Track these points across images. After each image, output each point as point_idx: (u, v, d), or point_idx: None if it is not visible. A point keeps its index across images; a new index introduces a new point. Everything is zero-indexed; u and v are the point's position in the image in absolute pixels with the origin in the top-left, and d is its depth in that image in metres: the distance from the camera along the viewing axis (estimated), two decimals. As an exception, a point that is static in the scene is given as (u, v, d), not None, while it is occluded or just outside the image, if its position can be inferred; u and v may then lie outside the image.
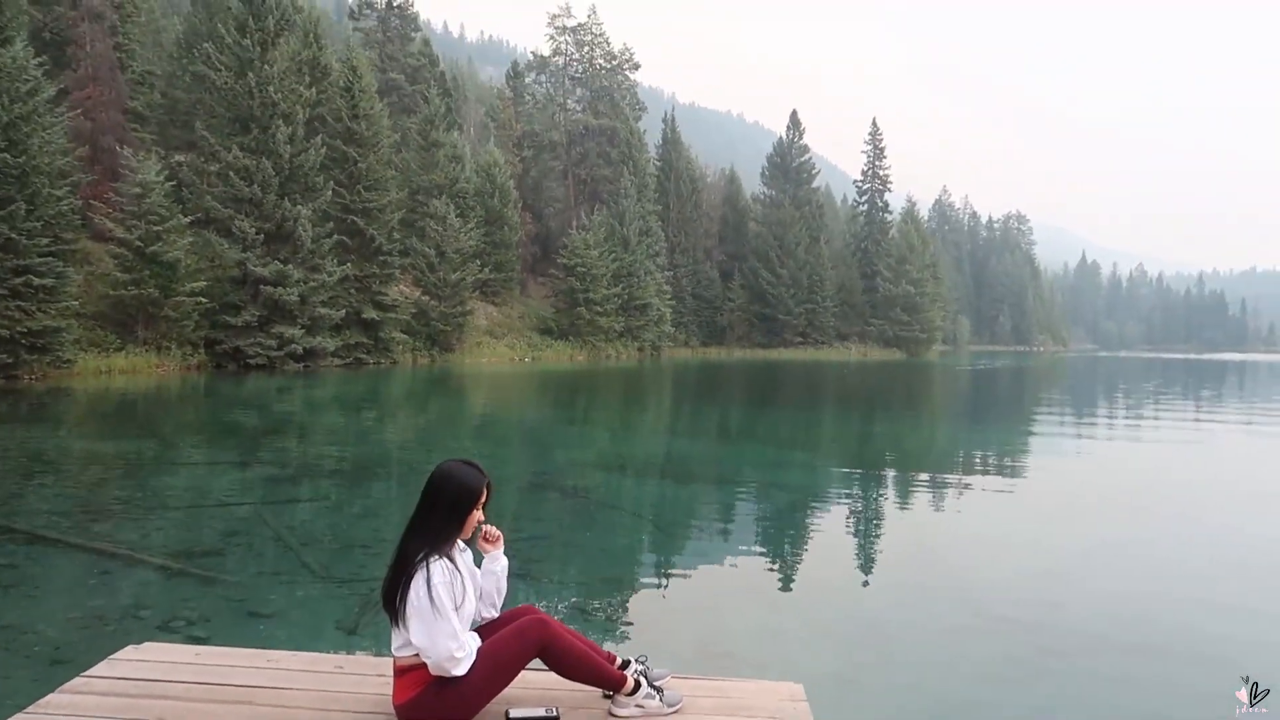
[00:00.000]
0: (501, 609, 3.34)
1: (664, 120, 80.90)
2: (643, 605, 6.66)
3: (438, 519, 3.00)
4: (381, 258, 42.40)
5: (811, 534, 9.44)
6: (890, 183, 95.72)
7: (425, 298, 46.40)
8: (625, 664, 3.23)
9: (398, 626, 2.92)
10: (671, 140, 79.70)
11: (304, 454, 14.50)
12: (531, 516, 9.83)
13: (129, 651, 3.45)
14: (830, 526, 9.87)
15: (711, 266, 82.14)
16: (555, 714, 3.00)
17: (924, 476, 14.08)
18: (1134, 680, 5.37)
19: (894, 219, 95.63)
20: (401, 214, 44.96)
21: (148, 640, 3.71)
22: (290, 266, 35.46)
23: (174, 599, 6.27)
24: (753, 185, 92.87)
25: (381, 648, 3.73)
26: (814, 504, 11.36)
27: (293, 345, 35.63)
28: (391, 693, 2.97)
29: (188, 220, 32.96)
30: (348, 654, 3.67)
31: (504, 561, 3.31)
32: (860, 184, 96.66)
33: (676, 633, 5.97)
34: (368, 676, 3.30)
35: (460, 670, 2.88)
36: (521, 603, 3.54)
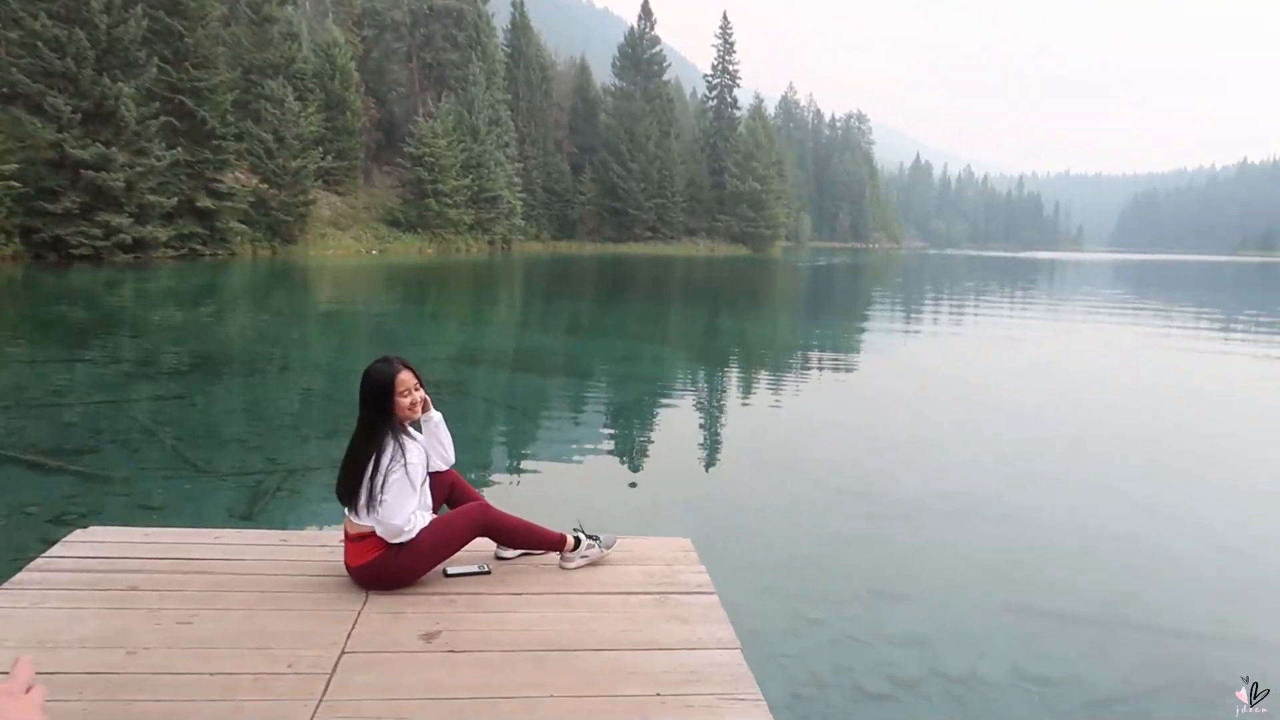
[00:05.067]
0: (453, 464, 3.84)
1: (512, 4, 78.01)
2: (519, 488, 7.30)
3: (368, 415, 3.47)
4: (215, 142, 40.05)
5: (665, 421, 10.28)
6: (739, 78, 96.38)
7: (264, 186, 44.27)
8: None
9: (362, 509, 3.35)
10: (521, 25, 77.21)
11: (144, 351, 14.15)
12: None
13: (79, 535, 3.75)
14: (682, 414, 10.77)
15: (562, 159, 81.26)
16: (486, 569, 3.62)
17: (767, 367, 15.27)
18: (953, 540, 6.42)
19: (742, 115, 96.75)
20: (234, 95, 42.32)
21: (77, 530, 4.02)
22: (113, 149, 33.10)
23: (58, 495, 6.43)
24: (603, 76, 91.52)
25: (286, 528, 4.19)
26: (665, 393, 12.25)
27: (120, 235, 33.61)
28: (344, 557, 3.46)
29: (-10, 95, 30.11)
30: (289, 530, 4.10)
31: (436, 416, 3.76)
32: (710, 79, 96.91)
33: (555, 512, 6.62)
34: (312, 547, 3.77)
35: (404, 538, 3.36)
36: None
